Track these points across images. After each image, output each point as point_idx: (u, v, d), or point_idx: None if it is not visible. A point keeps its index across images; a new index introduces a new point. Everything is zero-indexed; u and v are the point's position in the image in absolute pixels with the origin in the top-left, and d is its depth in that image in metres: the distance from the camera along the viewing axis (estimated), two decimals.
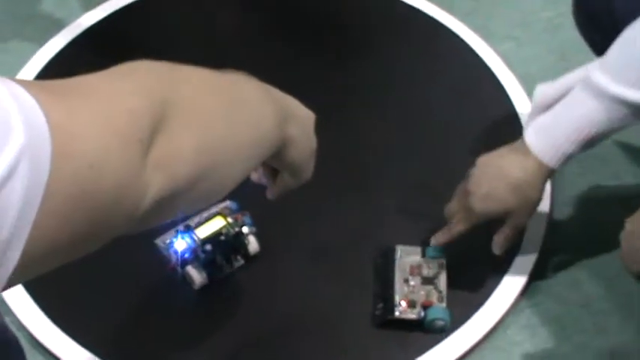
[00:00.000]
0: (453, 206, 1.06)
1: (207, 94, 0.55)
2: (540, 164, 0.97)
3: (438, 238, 1.08)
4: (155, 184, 0.45)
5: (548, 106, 0.98)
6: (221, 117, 0.55)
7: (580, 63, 1.40)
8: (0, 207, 0.34)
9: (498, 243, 1.06)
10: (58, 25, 1.49)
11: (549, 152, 0.96)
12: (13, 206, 0.35)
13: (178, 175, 0.48)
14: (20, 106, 0.36)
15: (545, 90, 0.99)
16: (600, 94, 0.91)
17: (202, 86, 0.55)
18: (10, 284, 0.38)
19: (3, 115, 0.35)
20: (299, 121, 0.68)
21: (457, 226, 1.04)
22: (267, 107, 0.63)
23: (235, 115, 0.57)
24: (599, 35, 1.09)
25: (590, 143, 0.95)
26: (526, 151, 0.97)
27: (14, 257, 0.36)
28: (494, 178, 1.00)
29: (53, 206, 0.37)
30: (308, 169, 0.73)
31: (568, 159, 0.97)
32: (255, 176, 0.75)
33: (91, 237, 0.42)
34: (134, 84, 0.48)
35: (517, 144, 1.00)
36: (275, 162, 0.68)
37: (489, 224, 1.04)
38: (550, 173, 0.99)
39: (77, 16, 1.50)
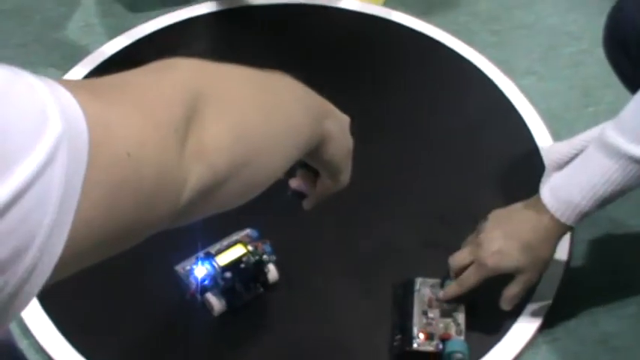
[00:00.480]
0: (462, 257, 1.06)
1: (241, 85, 0.55)
2: (556, 223, 0.98)
3: (448, 292, 1.08)
4: (194, 173, 0.46)
5: (563, 164, 0.99)
6: (256, 106, 0.55)
7: (601, 99, 1.42)
8: (41, 193, 0.34)
9: (507, 299, 1.06)
10: (83, 52, 1.51)
11: (566, 211, 0.97)
12: (54, 193, 0.35)
13: (217, 164, 0.48)
14: (56, 98, 0.36)
15: (559, 148, 1.00)
16: (615, 153, 0.92)
17: (236, 78, 0.56)
18: (56, 275, 0.37)
19: (40, 105, 0.35)
20: (337, 118, 0.69)
21: (468, 281, 1.05)
22: (306, 100, 0.64)
23: (272, 106, 0.57)
24: (628, 64, 1.10)
25: (606, 201, 0.96)
26: (541, 209, 0.98)
27: (59, 244, 0.36)
28: (507, 235, 1.01)
29: (95, 195, 0.38)
30: (346, 170, 0.73)
31: (584, 217, 0.97)
32: (294, 183, 0.74)
33: (136, 228, 0.43)
34: (168, 76, 0.49)
35: (532, 201, 1.01)
36: (314, 160, 0.68)
37: None
38: (564, 232, 1.00)
39: (101, 43, 1.52)
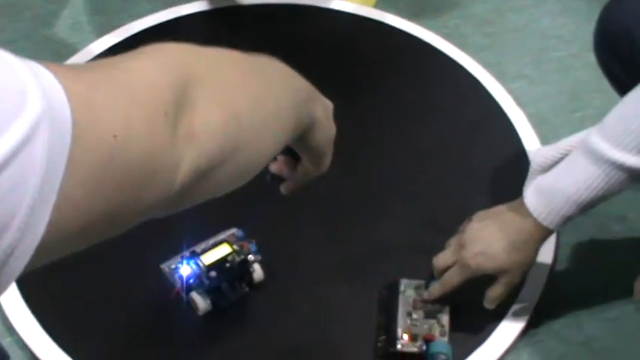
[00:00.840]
0: (445, 258, 1.06)
1: (231, 69, 0.55)
2: (539, 226, 0.98)
3: (432, 292, 1.08)
4: (187, 157, 0.45)
5: (547, 168, 1.00)
6: (247, 91, 0.55)
7: (590, 103, 1.43)
8: (19, 172, 0.34)
9: (490, 299, 1.06)
10: (72, 50, 1.51)
11: (549, 215, 0.97)
12: (34, 172, 0.35)
13: (209, 148, 0.48)
14: (37, 79, 0.36)
15: (544, 152, 1.01)
16: (599, 159, 0.92)
17: (226, 62, 0.56)
18: (40, 258, 0.37)
19: (19, 85, 0.35)
20: (323, 104, 0.69)
21: (451, 280, 1.05)
22: (294, 84, 0.64)
23: (262, 90, 0.57)
24: (618, 66, 1.10)
25: (589, 206, 0.96)
26: (525, 212, 0.98)
27: (41, 225, 0.36)
28: (490, 236, 1.01)
29: (80, 175, 0.37)
30: (328, 157, 0.73)
31: (567, 221, 0.98)
32: (274, 167, 0.74)
33: (124, 212, 0.42)
34: (157, 60, 0.48)
35: (516, 204, 1.01)
36: (300, 145, 0.68)
37: None
38: (547, 235, 1.00)
39: (90, 41, 1.52)
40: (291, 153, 0.72)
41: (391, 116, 1.40)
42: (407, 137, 1.37)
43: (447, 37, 1.54)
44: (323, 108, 0.68)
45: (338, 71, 1.47)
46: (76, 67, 0.43)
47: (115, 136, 0.39)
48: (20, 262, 0.36)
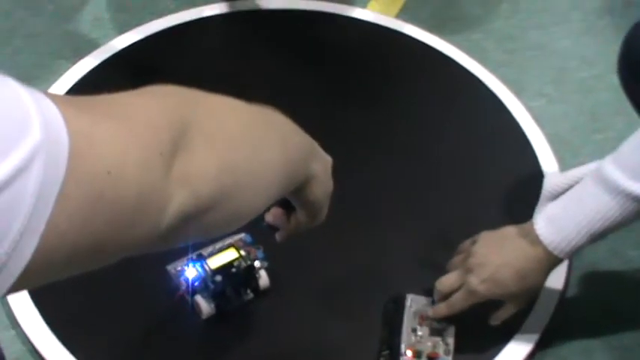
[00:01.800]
0: (451, 282, 1.05)
1: (232, 118, 0.56)
2: (549, 255, 0.96)
3: (437, 311, 1.07)
4: (178, 199, 0.46)
5: (557, 195, 0.98)
6: (246, 141, 0.55)
7: (611, 126, 1.41)
8: (12, 199, 0.35)
9: (496, 319, 1.05)
10: (93, 45, 1.51)
11: (560, 244, 0.95)
12: (25, 201, 0.35)
13: (201, 192, 0.48)
14: (40, 109, 0.37)
15: (555, 180, 0.99)
16: (613, 189, 0.90)
17: (227, 110, 0.56)
18: (24, 282, 0.37)
19: (22, 112, 0.36)
20: (322, 159, 0.70)
21: (457, 305, 1.04)
22: (296, 138, 0.64)
23: (260, 141, 0.58)
24: None
25: (600, 236, 0.94)
26: (535, 239, 0.97)
27: (28, 251, 0.36)
28: (498, 262, 1.00)
29: (70, 208, 0.38)
30: (324, 212, 0.75)
31: (577, 251, 0.96)
32: (269, 217, 0.76)
33: (111, 247, 0.43)
34: (158, 102, 0.49)
35: (525, 229, 0.99)
36: (297, 198, 0.70)
37: None
38: (557, 263, 0.99)
39: (111, 37, 1.52)
40: (285, 204, 0.74)
41: (406, 127, 1.39)
42: (422, 150, 1.36)
43: (468, 51, 1.53)
44: (322, 164, 0.69)
45: (355, 80, 1.47)
46: (79, 100, 0.43)
47: (109, 173, 0.40)
48: (5, 283, 0.37)
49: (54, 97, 0.39)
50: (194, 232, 0.51)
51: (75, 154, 0.38)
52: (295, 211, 0.74)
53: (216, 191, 0.50)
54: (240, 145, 0.54)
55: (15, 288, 0.37)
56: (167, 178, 0.45)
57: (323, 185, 0.70)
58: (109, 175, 0.40)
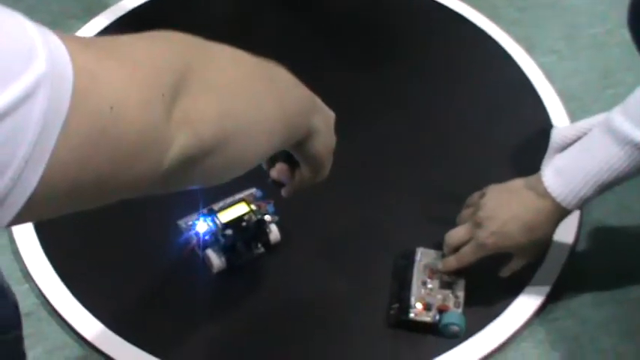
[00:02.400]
0: (459, 235, 1.05)
1: (234, 66, 0.56)
2: (557, 206, 0.96)
3: (447, 264, 1.07)
4: (179, 140, 0.47)
5: (565, 147, 0.97)
6: (246, 88, 0.56)
7: (622, 81, 1.40)
8: (17, 125, 0.35)
9: (506, 271, 1.06)
10: (103, 5, 1.51)
11: (568, 196, 0.95)
12: (31, 128, 0.36)
13: (202, 135, 0.49)
14: (46, 42, 0.38)
15: (563, 131, 0.99)
16: (622, 139, 0.90)
17: (230, 59, 0.57)
18: (28, 213, 0.38)
19: (28, 44, 0.37)
20: (324, 114, 0.70)
21: (466, 258, 1.04)
22: (297, 91, 0.65)
23: (263, 90, 0.59)
24: None
25: (608, 187, 0.94)
26: (542, 191, 0.97)
27: (33, 179, 0.37)
28: (507, 215, 1.00)
29: (73, 141, 0.39)
30: (327, 167, 0.75)
31: (585, 202, 0.96)
32: (274, 173, 0.78)
33: (112, 184, 0.43)
34: (161, 45, 0.50)
35: (532, 181, 0.99)
36: (299, 152, 0.70)
37: None
38: (565, 215, 0.98)
39: None
40: (290, 160, 0.75)
41: (417, 85, 1.39)
42: (432, 106, 1.35)
43: (479, 8, 1.52)
44: (324, 119, 0.70)
45: (365, 39, 1.46)
46: (84, 39, 0.44)
47: (111, 108, 0.41)
48: (10, 211, 0.37)
49: (59, 34, 0.39)
50: (194, 176, 0.52)
51: (78, 88, 0.38)
52: (299, 166, 0.75)
53: (217, 134, 0.51)
54: (240, 92, 0.55)
55: (18, 219, 0.38)
56: (168, 120, 0.45)
57: (325, 140, 0.70)
58: (111, 111, 0.41)
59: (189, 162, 0.48)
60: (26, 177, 0.37)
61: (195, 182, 0.53)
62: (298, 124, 0.65)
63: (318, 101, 0.69)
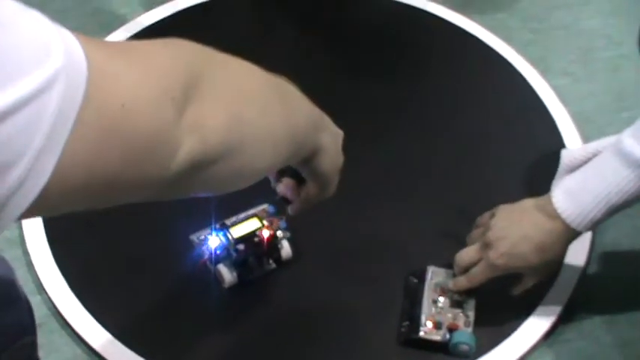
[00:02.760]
0: (470, 256, 1.05)
1: (243, 77, 0.57)
2: (567, 227, 0.96)
3: (458, 284, 1.07)
4: (187, 144, 0.47)
5: (575, 168, 0.98)
6: (255, 100, 0.57)
7: (637, 104, 1.40)
8: (33, 116, 0.36)
9: (516, 291, 1.06)
10: (120, 21, 1.52)
11: (577, 217, 0.95)
12: (46, 120, 0.37)
13: (210, 141, 0.49)
14: (62, 37, 0.39)
15: (573, 152, 0.99)
16: (632, 162, 0.90)
17: (240, 70, 0.58)
18: (39, 206, 0.39)
19: (45, 38, 0.38)
20: (332, 132, 0.71)
21: (477, 278, 1.04)
22: (305, 108, 0.66)
23: (272, 103, 0.59)
24: None
25: (618, 210, 0.94)
26: (553, 212, 0.97)
27: (46, 172, 0.38)
28: (517, 236, 1.00)
29: (85, 135, 0.39)
30: (333, 185, 0.76)
31: (596, 224, 0.96)
32: (281, 189, 0.78)
33: (122, 182, 0.44)
34: (173, 51, 0.51)
35: (543, 202, 0.99)
36: (306, 169, 0.71)
37: None
38: (576, 236, 0.98)
39: (139, 13, 1.53)
40: (297, 176, 0.75)
41: (431, 105, 1.39)
42: (446, 126, 1.36)
43: (493, 30, 1.52)
44: (332, 137, 0.70)
45: (379, 58, 1.47)
46: (98, 40, 0.45)
47: (122, 105, 0.42)
48: (23, 202, 0.38)
49: (74, 32, 0.41)
50: (199, 183, 0.52)
51: (92, 84, 0.39)
52: (306, 183, 0.75)
53: (224, 142, 0.51)
54: (249, 103, 0.55)
55: (31, 211, 0.39)
56: (178, 123, 0.46)
57: (332, 158, 0.71)
58: (122, 108, 0.41)
59: (195, 168, 0.49)
60: (39, 169, 0.37)
61: (199, 190, 0.54)
62: (305, 139, 0.66)
63: (327, 119, 0.70)
